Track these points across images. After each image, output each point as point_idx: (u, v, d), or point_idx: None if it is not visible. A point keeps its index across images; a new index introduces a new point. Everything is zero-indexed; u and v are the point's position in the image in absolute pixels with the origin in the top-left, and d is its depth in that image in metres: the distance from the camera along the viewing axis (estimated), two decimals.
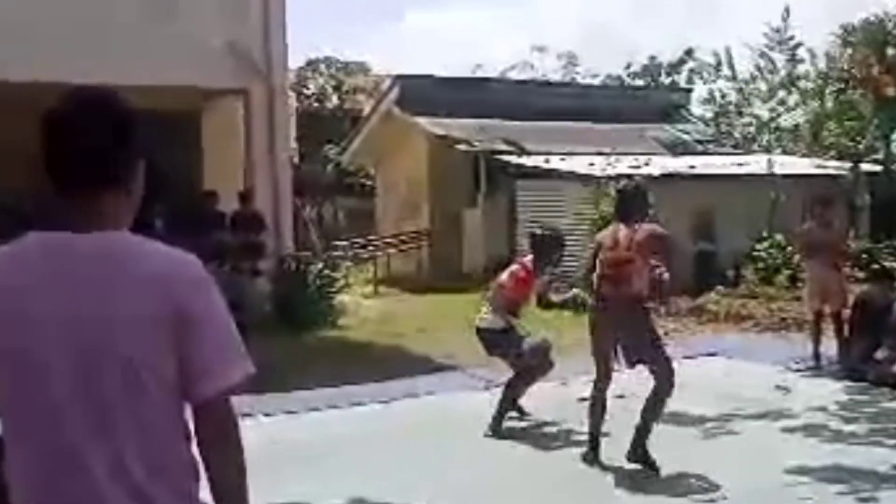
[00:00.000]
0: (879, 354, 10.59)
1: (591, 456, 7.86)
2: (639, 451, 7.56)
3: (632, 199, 8.29)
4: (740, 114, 24.05)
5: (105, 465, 2.28)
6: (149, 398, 2.31)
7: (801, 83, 22.83)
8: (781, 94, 23.00)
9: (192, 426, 2.43)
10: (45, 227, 2.40)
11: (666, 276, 8.19)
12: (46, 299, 2.29)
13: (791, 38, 22.72)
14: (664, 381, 7.68)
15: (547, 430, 9.07)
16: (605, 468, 7.71)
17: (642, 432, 7.59)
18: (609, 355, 8.00)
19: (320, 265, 16.70)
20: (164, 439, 2.37)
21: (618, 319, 7.81)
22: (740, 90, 23.83)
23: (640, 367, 7.92)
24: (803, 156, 22.42)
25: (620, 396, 10.05)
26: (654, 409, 7.68)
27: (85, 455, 2.28)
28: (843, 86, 21.32)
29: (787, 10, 22.28)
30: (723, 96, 24.47)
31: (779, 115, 23.61)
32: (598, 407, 8.00)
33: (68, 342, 2.27)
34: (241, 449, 2.45)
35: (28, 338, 2.28)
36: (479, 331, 9.51)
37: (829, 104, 22.04)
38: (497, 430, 8.86)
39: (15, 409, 2.33)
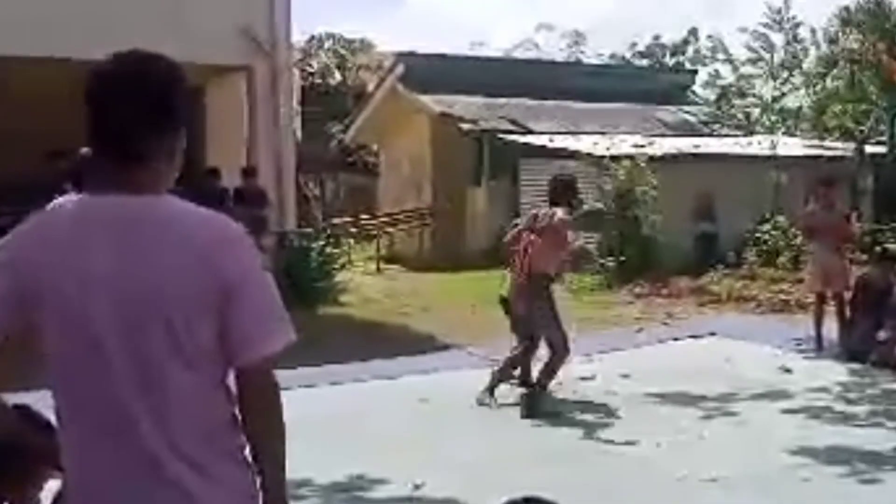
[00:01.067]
0: (881, 336, 10.59)
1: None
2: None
3: (557, 189, 9.26)
4: (742, 95, 24.07)
5: (150, 421, 2.30)
6: (191, 358, 2.33)
7: (804, 64, 22.84)
8: (784, 74, 23.03)
9: (234, 390, 2.45)
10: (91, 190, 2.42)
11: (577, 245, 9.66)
12: (94, 257, 2.30)
13: (792, 17, 22.72)
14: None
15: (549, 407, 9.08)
16: (606, 448, 7.73)
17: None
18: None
19: (322, 242, 16.70)
20: (207, 399, 2.39)
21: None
22: (737, 73, 23.84)
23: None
24: (806, 137, 22.39)
25: (625, 376, 10.14)
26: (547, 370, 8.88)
27: (130, 408, 2.30)
28: (850, 67, 21.27)
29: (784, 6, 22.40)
30: (718, 77, 24.49)
31: (782, 96, 23.61)
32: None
33: (114, 300, 2.28)
34: (281, 415, 2.48)
35: (76, 291, 2.30)
36: (504, 301, 9.59)
37: (834, 85, 22.01)
38: (483, 401, 8.99)
39: (62, 360, 2.35)
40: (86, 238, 2.33)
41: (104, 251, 2.30)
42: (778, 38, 24.15)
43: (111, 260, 2.30)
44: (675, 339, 12.39)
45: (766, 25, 23.93)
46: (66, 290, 2.31)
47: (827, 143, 21.93)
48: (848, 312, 11.32)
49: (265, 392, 2.45)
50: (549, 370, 8.92)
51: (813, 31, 23.49)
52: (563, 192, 9.28)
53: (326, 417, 8.56)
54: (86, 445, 2.36)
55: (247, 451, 2.48)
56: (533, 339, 9.23)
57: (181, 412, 2.33)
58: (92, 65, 2.45)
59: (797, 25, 23.70)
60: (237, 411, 2.46)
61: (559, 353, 8.86)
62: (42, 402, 2.74)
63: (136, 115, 2.36)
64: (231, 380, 2.46)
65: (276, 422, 2.48)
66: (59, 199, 2.46)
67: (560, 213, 8.97)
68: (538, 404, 8.77)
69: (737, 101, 24.97)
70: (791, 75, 23.64)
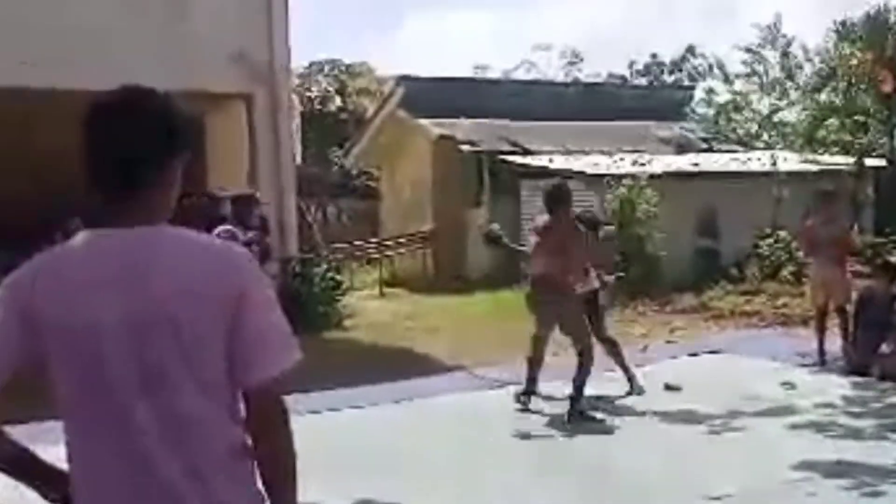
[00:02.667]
0: (884, 349, 10.60)
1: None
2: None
3: (552, 196, 9.58)
4: (737, 109, 24.15)
5: (164, 451, 2.33)
6: (204, 383, 2.35)
7: (800, 79, 22.91)
8: (779, 89, 23.09)
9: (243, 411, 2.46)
10: (90, 225, 2.45)
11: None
12: (103, 295, 2.32)
13: (784, 35, 22.86)
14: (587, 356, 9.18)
15: (553, 426, 9.10)
16: (612, 465, 7.74)
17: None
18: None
19: (325, 267, 16.73)
20: (220, 425, 2.41)
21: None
22: (734, 90, 23.93)
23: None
24: (804, 152, 22.44)
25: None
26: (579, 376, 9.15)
27: (145, 440, 2.32)
28: (846, 81, 21.33)
29: (779, 17, 22.54)
30: (713, 93, 24.56)
31: (779, 110, 23.68)
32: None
33: (126, 335, 2.31)
34: (291, 437, 2.48)
35: (87, 330, 2.32)
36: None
37: (831, 99, 22.07)
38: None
39: (76, 401, 2.37)
40: (93, 276, 2.35)
41: (113, 288, 2.33)
42: (772, 55, 24.27)
43: (121, 295, 2.32)
44: (679, 356, 12.39)
45: (758, 45, 24.08)
46: (78, 330, 2.33)
47: (825, 157, 21.97)
48: (850, 326, 11.33)
49: (274, 413, 2.46)
50: (578, 386, 9.21)
51: (805, 49, 23.59)
52: (564, 198, 9.59)
53: (332, 442, 8.54)
54: (101, 478, 2.38)
55: (258, 477, 2.49)
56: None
57: (195, 439, 2.36)
58: (92, 95, 2.47)
59: (789, 43, 23.81)
60: (248, 437, 2.48)
61: (586, 363, 9.20)
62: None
63: (138, 144, 2.39)
64: (242, 405, 2.48)
65: (285, 443, 2.48)
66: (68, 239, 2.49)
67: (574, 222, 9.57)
68: (580, 417, 9.07)
69: (734, 117, 25.04)
70: (786, 91, 23.71)
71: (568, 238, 9.35)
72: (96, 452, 2.38)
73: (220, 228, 10.71)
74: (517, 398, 9.79)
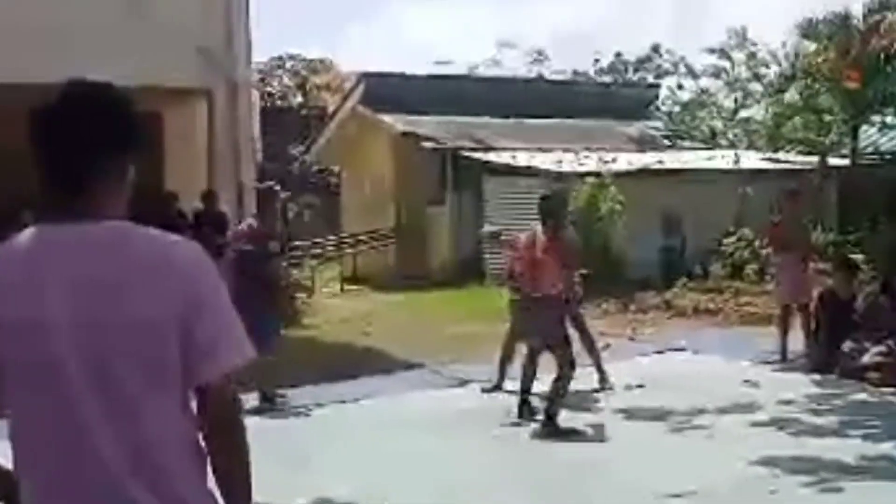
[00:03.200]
0: (845, 347, 10.60)
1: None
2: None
3: (550, 206, 9.24)
4: (702, 105, 24.25)
5: (113, 446, 2.28)
6: (156, 380, 2.31)
7: (764, 78, 23.03)
8: (744, 87, 23.22)
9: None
10: (41, 220, 2.41)
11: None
12: (52, 290, 2.28)
13: (751, 40, 23.01)
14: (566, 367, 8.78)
15: (513, 426, 9.01)
16: (573, 463, 7.66)
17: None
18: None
19: (285, 264, 16.55)
20: (172, 423, 2.35)
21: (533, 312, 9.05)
22: (698, 84, 24.04)
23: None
24: (768, 150, 22.52)
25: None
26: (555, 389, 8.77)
27: (93, 434, 2.27)
28: (807, 80, 21.42)
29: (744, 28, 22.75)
30: (680, 88, 24.65)
31: (743, 108, 23.78)
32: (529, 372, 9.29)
33: (76, 332, 2.26)
34: (244, 433, 2.46)
35: (36, 326, 2.27)
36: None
37: (793, 98, 22.17)
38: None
39: (22, 395, 2.33)
40: (42, 271, 2.30)
41: (62, 284, 2.28)
42: (738, 56, 24.42)
43: (70, 291, 2.28)
44: (643, 355, 12.36)
45: (728, 46, 24.24)
46: (25, 326, 2.29)
47: (789, 156, 22.06)
48: (812, 324, 11.33)
49: (227, 409, 2.42)
50: (553, 399, 8.78)
51: (773, 54, 23.74)
52: (557, 209, 9.30)
53: (290, 439, 8.51)
54: (48, 476, 2.32)
55: (210, 477, 2.44)
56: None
57: (146, 435, 2.31)
58: (46, 88, 2.42)
59: (755, 44, 23.98)
60: (201, 436, 2.44)
61: (565, 373, 8.78)
62: None
63: (89, 138, 2.37)
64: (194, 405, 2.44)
65: (238, 441, 2.45)
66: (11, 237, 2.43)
67: (569, 232, 9.45)
68: (558, 429, 8.63)
69: (699, 114, 25.13)
70: (749, 91, 23.84)
71: (560, 252, 9.02)
72: (42, 451, 2.32)
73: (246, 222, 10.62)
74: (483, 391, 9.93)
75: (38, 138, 2.37)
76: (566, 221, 9.69)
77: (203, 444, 2.42)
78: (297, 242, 22.82)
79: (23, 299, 2.29)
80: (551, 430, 8.55)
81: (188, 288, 2.33)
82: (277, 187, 13.08)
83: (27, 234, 2.39)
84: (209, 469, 2.43)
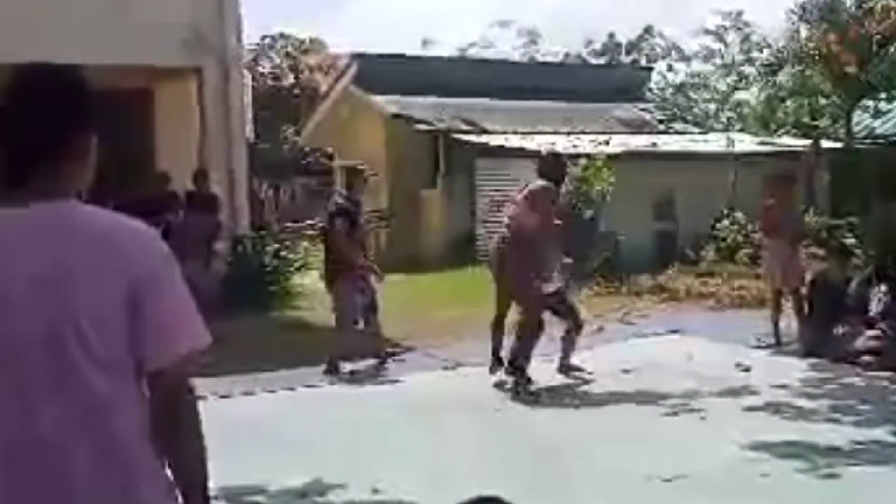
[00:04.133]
0: (838, 331, 10.59)
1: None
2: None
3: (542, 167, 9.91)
4: (695, 88, 24.21)
5: (61, 426, 2.24)
6: (107, 363, 2.27)
7: (758, 61, 22.97)
8: (738, 70, 23.16)
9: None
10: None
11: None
12: (6, 268, 2.26)
13: (745, 22, 22.96)
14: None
15: (505, 406, 8.98)
16: (566, 447, 7.62)
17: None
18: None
19: (276, 246, 16.50)
20: (125, 408, 2.32)
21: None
22: (690, 68, 23.99)
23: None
24: (761, 134, 22.48)
25: (586, 375, 10.06)
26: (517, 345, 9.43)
27: (40, 414, 2.24)
28: (801, 64, 21.37)
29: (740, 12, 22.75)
30: (672, 71, 24.57)
31: (737, 90, 23.71)
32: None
33: (29, 310, 2.23)
34: (198, 420, 2.42)
35: None
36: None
37: (787, 81, 22.12)
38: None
39: None
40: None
41: (15, 264, 2.26)
42: (732, 37, 24.36)
43: (22, 272, 2.24)
44: (635, 337, 12.33)
45: (721, 28, 24.21)
46: None
47: (782, 139, 22.02)
48: (805, 308, 11.32)
49: (178, 394, 2.39)
50: (518, 348, 9.43)
51: (764, 39, 23.70)
52: (553, 166, 9.92)
53: (282, 422, 8.50)
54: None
55: (165, 464, 2.40)
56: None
57: (102, 424, 2.27)
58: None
59: (749, 25, 23.93)
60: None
61: (532, 330, 9.35)
62: None
63: (45, 117, 2.37)
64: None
65: (192, 425, 2.41)
66: None
67: (542, 182, 9.66)
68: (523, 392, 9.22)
69: (692, 95, 25.07)
70: (743, 73, 23.79)
71: (533, 200, 9.52)
72: None
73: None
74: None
75: None
76: (559, 185, 10.03)
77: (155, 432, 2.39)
78: (290, 224, 22.79)
79: None
80: (516, 378, 9.27)
81: (136, 271, 2.30)
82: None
83: None
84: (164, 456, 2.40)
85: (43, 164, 2.34)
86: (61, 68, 2.45)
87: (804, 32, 21.72)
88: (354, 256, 10.44)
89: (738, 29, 23.87)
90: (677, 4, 63.63)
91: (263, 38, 36.72)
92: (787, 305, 11.70)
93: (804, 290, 11.44)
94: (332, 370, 10.40)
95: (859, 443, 7.44)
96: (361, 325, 10.72)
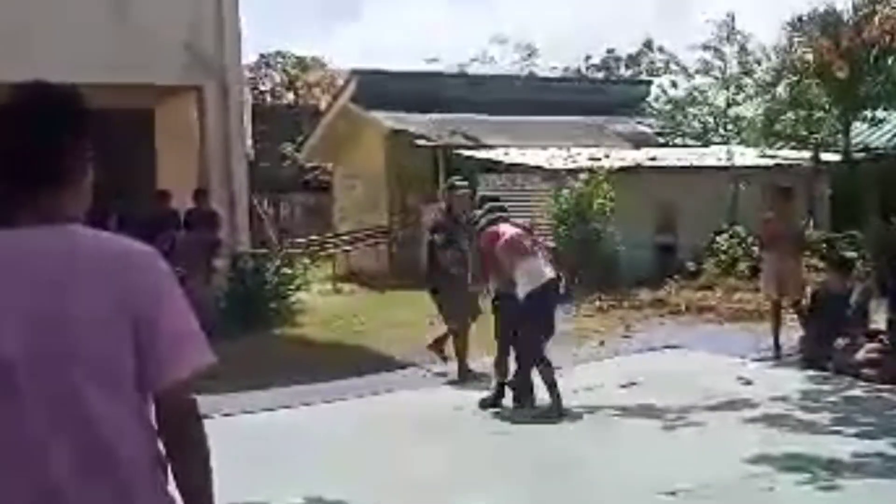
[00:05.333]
0: (839, 343, 10.58)
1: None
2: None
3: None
4: (693, 102, 24.22)
5: (66, 457, 2.21)
6: (111, 389, 2.26)
7: (756, 74, 23.01)
8: (736, 84, 23.18)
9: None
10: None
11: None
12: (5, 297, 2.23)
13: (739, 31, 23.01)
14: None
15: (507, 422, 8.99)
16: (568, 461, 7.62)
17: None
18: None
19: (277, 263, 16.52)
20: (130, 433, 2.30)
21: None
22: (690, 83, 24.04)
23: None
24: (761, 147, 22.50)
25: (588, 389, 10.07)
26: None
27: (48, 450, 2.21)
28: (797, 76, 21.41)
29: (732, 15, 22.79)
30: (673, 85, 24.60)
31: (736, 104, 23.75)
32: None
33: (28, 342, 2.21)
34: (205, 441, 2.41)
35: None
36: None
37: (784, 94, 22.16)
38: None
39: None
40: None
41: (13, 289, 2.24)
42: (729, 51, 24.43)
43: (21, 297, 2.23)
44: (636, 352, 12.33)
45: (716, 41, 24.26)
46: None
47: (782, 152, 22.04)
48: (805, 320, 11.33)
49: (185, 416, 2.37)
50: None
51: (763, 47, 23.77)
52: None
53: (283, 440, 8.48)
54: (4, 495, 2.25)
55: (172, 488, 2.39)
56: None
57: (106, 449, 2.25)
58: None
59: (746, 38, 23.98)
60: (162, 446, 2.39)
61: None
62: None
63: (47, 139, 2.34)
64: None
65: (199, 447, 2.39)
66: None
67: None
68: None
69: (691, 111, 25.10)
70: (742, 86, 23.83)
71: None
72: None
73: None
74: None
75: None
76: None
77: (163, 452, 2.38)
78: (290, 241, 22.80)
79: None
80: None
81: (138, 292, 2.29)
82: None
83: None
84: (170, 479, 2.39)
85: (42, 185, 2.33)
86: (60, 88, 2.43)
87: (801, 45, 21.77)
88: (454, 269, 10.81)
89: (731, 36, 23.92)
90: (674, 17, 63.81)
91: (262, 56, 36.82)
92: (787, 318, 11.71)
93: (805, 303, 11.45)
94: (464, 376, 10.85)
95: (861, 455, 7.40)
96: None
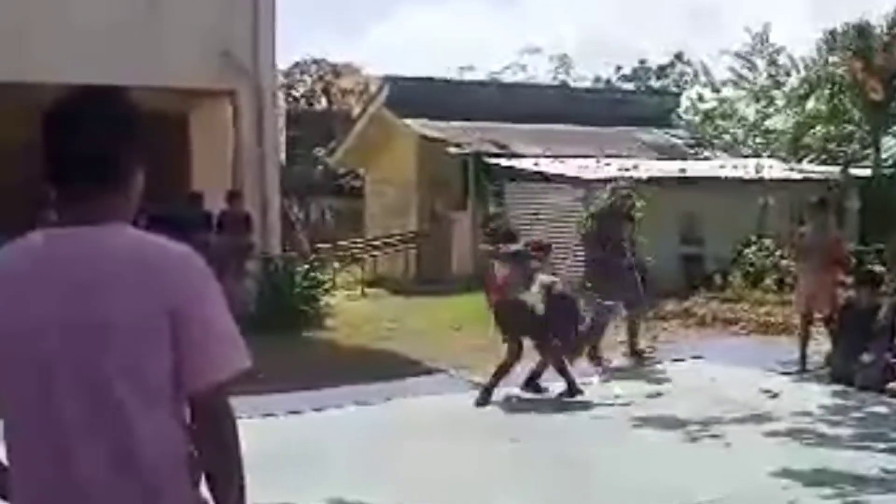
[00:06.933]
0: (865, 359, 10.56)
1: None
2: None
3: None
4: (724, 116, 24.17)
5: (98, 461, 2.27)
6: (147, 391, 2.30)
7: (787, 87, 22.94)
8: (767, 96, 23.11)
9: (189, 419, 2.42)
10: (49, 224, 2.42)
11: None
12: (48, 297, 2.29)
13: (773, 44, 22.95)
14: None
15: (532, 428, 9.05)
16: (591, 470, 7.68)
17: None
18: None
19: (307, 266, 16.64)
20: (166, 435, 2.35)
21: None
22: (719, 95, 23.96)
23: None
24: (790, 160, 22.44)
25: (612, 398, 10.13)
26: None
27: (79, 452, 2.27)
28: (830, 89, 21.35)
29: (767, 26, 22.68)
30: (700, 99, 24.54)
31: (766, 117, 23.69)
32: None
33: (66, 344, 2.27)
34: (237, 444, 2.42)
35: (29, 331, 2.29)
36: None
37: (816, 107, 22.08)
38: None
39: (13, 404, 2.34)
40: (41, 277, 2.32)
41: (59, 291, 2.29)
42: (760, 62, 24.38)
43: (59, 300, 2.28)
44: (661, 362, 12.35)
45: (747, 53, 24.22)
46: (21, 334, 2.30)
47: (811, 165, 21.98)
48: (833, 334, 11.32)
49: (219, 418, 2.39)
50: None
51: (791, 58, 23.71)
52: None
53: (310, 443, 8.53)
54: (35, 483, 2.33)
55: (203, 490, 2.45)
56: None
57: (138, 450, 2.30)
58: (65, 89, 2.46)
59: (777, 52, 23.92)
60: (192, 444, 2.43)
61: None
62: None
63: (102, 143, 2.38)
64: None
65: (231, 448, 2.42)
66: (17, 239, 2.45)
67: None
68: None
69: (720, 123, 25.06)
70: (772, 98, 23.77)
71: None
72: (30, 460, 2.34)
73: None
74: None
75: (51, 138, 2.39)
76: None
77: (195, 453, 2.41)
78: (320, 245, 22.92)
79: (20, 306, 2.30)
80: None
81: (177, 293, 2.31)
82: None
83: (32, 238, 2.40)
84: (202, 480, 2.42)
85: (91, 188, 2.37)
86: (109, 92, 2.49)
87: (833, 59, 21.72)
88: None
89: (763, 48, 23.87)
90: (707, 24, 63.55)
91: (297, 62, 37.02)
92: (815, 332, 11.70)
93: (835, 317, 11.43)
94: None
95: (888, 471, 7.39)
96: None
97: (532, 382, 10.45)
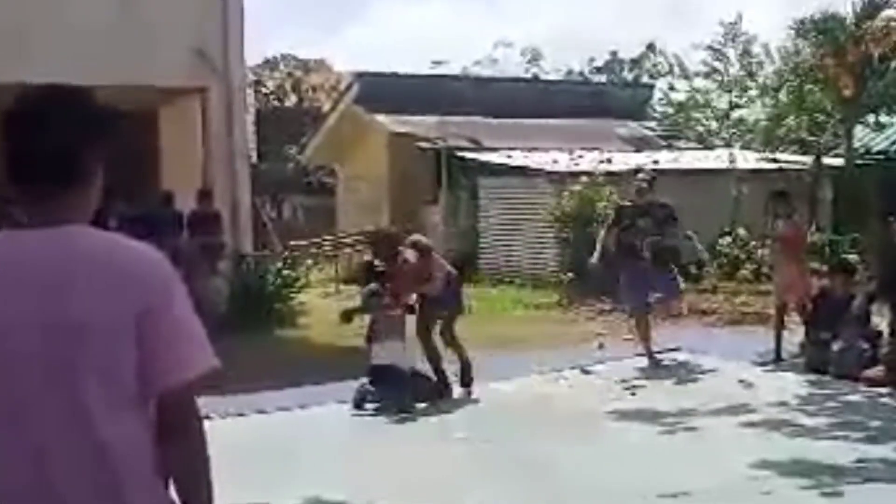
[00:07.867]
0: (835, 347, 10.57)
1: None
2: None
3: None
4: (697, 106, 24.21)
5: (70, 463, 2.25)
6: (118, 393, 2.28)
7: (759, 78, 23.01)
8: (739, 87, 23.18)
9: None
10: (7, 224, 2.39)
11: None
12: (20, 298, 2.26)
13: (745, 32, 23.00)
14: None
15: (502, 427, 8.99)
16: (567, 463, 7.63)
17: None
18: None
19: (279, 265, 16.53)
20: (136, 440, 2.32)
21: None
22: (693, 87, 24.02)
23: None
24: (763, 150, 22.51)
25: (587, 392, 10.09)
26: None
27: (53, 453, 2.24)
28: (801, 80, 21.41)
29: (739, 16, 22.74)
30: (672, 89, 24.58)
31: (738, 107, 23.75)
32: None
33: (37, 341, 2.24)
34: (204, 442, 2.41)
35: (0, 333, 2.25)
36: None
37: (787, 98, 22.16)
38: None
39: None
40: (13, 278, 2.29)
41: (32, 292, 2.27)
42: (732, 53, 24.42)
43: (32, 301, 2.25)
44: (637, 355, 12.31)
45: (719, 43, 24.26)
46: None
47: (784, 155, 22.06)
48: (806, 324, 11.34)
49: (186, 417, 2.38)
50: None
51: (766, 47, 23.75)
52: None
53: (281, 441, 8.48)
54: (8, 492, 2.28)
55: (171, 491, 2.41)
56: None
57: (111, 451, 2.27)
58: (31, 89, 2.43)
59: (749, 42, 23.96)
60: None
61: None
62: None
63: (64, 141, 2.35)
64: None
65: (198, 448, 2.40)
66: None
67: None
68: None
69: (694, 114, 25.11)
70: (745, 88, 23.82)
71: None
72: (6, 467, 2.28)
73: None
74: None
75: (12, 136, 2.36)
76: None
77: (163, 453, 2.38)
78: (293, 242, 22.80)
79: None
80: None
81: (147, 295, 2.30)
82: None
83: (1, 238, 2.37)
84: (170, 482, 2.40)
85: (54, 187, 2.34)
86: (73, 90, 2.45)
87: (804, 49, 21.77)
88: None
89: (736, 38, 23.92)
90: (680, 18, 63.81)
91: (266, 59, 36.91)
92: (790, 321, 11.72)
93: (809, 306, 11.47)
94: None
95: (862, 460, 7.41)
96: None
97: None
